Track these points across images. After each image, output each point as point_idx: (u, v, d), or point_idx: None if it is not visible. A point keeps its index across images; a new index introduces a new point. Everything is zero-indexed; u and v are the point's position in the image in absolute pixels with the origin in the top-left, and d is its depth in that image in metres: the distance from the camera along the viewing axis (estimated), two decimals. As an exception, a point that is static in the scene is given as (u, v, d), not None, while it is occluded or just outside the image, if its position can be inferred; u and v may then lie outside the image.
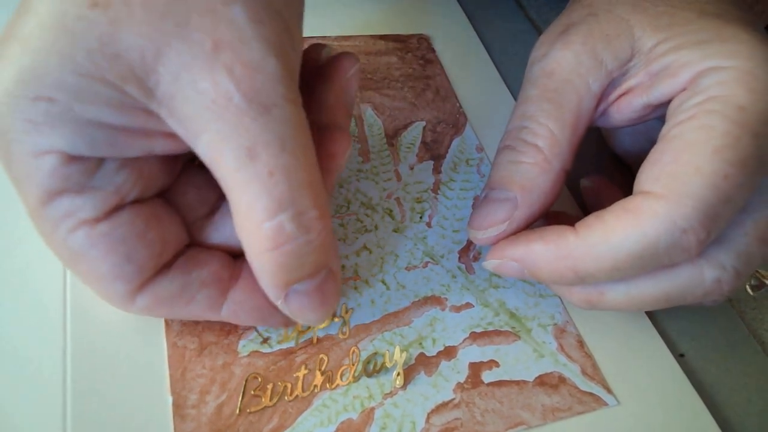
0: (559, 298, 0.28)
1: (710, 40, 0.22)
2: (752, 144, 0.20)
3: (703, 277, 0.22)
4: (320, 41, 0.37)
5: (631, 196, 0.22)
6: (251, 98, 0.17)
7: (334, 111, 0.23)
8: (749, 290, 0.24)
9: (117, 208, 0.19)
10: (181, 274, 0.21)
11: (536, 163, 0.24)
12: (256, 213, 0.18)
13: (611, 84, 0.25)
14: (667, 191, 0.21)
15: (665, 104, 0.23)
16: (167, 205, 0.22)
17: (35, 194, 0.18)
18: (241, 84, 0.17)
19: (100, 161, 0.19)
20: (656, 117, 0.25)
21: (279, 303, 0.20)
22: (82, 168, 0.18)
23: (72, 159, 0.18)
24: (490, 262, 0.25)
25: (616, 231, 0.21)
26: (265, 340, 0.24)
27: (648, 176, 0.22)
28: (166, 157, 0.21)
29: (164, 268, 0.21)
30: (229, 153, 0.17)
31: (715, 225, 0.20)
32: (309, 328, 0.25)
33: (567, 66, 0.24)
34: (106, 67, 0.16)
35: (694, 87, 0.22)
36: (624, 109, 0.25)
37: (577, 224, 0.23)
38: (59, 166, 0.18)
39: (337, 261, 0.21)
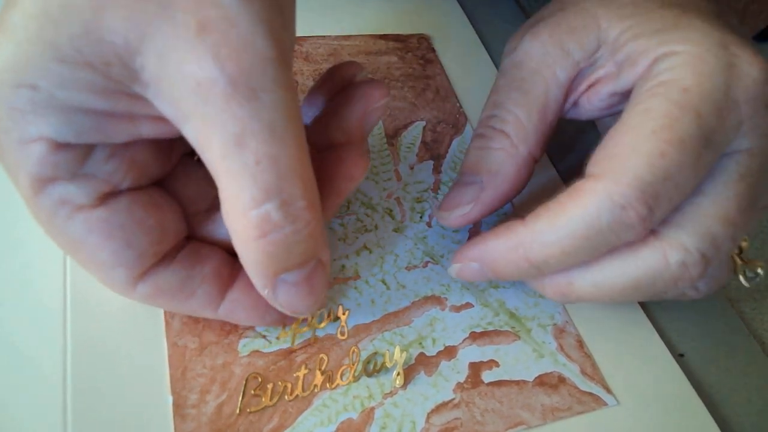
0: (559, 298, 0.28)
1: (667, 28, 0.23)
2: (693, 123, 0.21)
3: (667, 261, 0.22)
4: (320, 41, 0.37)
5: (575, 182, 0.22)
6: (238, 82, 0.16)
7: (353, 133, 0.23)
8: (744, 281, 0.24)
9: (113, 195, 0.19)
10: (183, 268, 0.21)
11: (503, 148, 0.26)
12: (242, 201, 0.18)
13: (580, 74, 0.25)
14: (605, 171, 0.21)
15: (630, 92, 0.24)
16: (166, 195, 0.22)
17: (27, 182, 0.18)
18: (226, 67, 0.16)
19: (90, 148, 0.19)
20: None
21: (266, 293, 0.20)
22: (72, 155, 0.18)
23: (60, 146, 0.18)
24: (453, 268, 0.26)
25: (560, 214, 0.22)
26: (263, 336, 0.24)
27: (592, 161, 0.22)
28: (160, 145, 0.21)
29: (167, 258, 0.21)
30: (216, 139, 0.17)
31: (656, 202, 0.21)
32: (306, 327, 0.25)
33: (535, 57, 0.25)
34: (89, 52, 0.16)
35: (648, 73, 0.23)
36: (593, 100, 0.26)
37: (528, 215, 0.23)
38: (48, 153, 0.18)
39: (326, 251, 0.21)
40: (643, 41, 0.23)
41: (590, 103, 0.26)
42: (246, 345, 0.24)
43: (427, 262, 0.28)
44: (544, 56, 0.25)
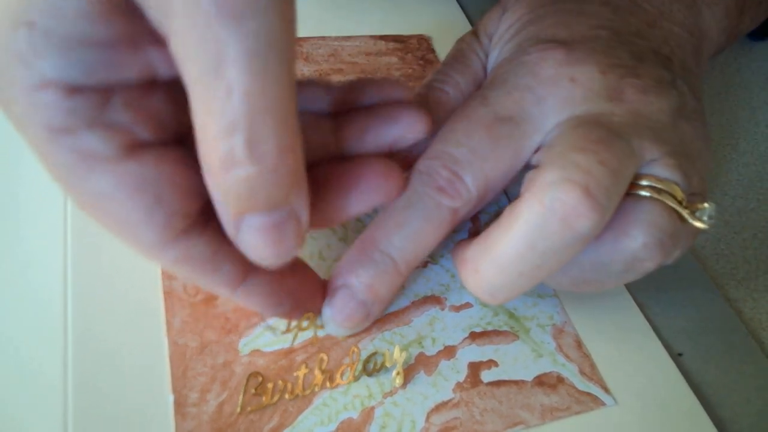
0: (558, 298, 0.28)
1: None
2: (479, 104, 0.25)
3: (543, 204, 0.21)
4: (320, 41, 0.37)
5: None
6: (221, 2, 0.15)
7: (382, 150, 0.23)
8: (700, 224, 0.23)
9: (139, 149, 0.18)
10: (215, 240, 0.20)
11: (441, 101, 0.28)
12: (210, 132, 0.17)
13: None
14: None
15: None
16: (191, 155, 0.20)
17: (43, 135, 0.17)
18: None
19: (106, 95, 0.17)
20: None
21: (231, 233, 0.19)
22: (88, 101, 0.17)
23: (73, 90, 0.17)
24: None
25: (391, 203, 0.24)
26: (271, 329, 0.24)
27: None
28: (178, 97, 0.19)
29: (198, 226, 0.20)
30: (193, 62, 0.16)
31: (457, 165, 0.24)
32: (308, 326, 0.25)
33: (469, 43, 0.30)
34: None
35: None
36: None
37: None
38: (61, 99, 0.17)
39: (302, 206, 0.19)
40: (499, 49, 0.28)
41: None
42: (247, 344, 0.24)
43: (427, 262, 0.28)
44: (472, 43, 0.30)
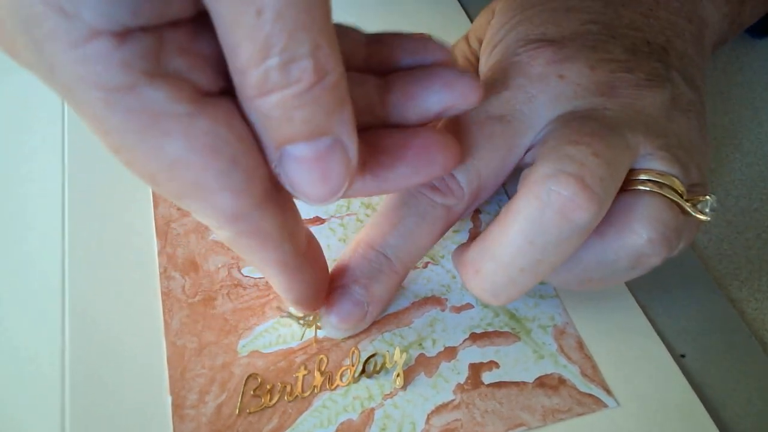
0: (559, 299, 0.28)
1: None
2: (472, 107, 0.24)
3: (539, 199, 0.21)
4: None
5: None
6: None
7: (427, 119, 0.22)
8: (702, 216, 0.23)
9: (206, 102, 0.16)
10: (282, 214, 0.19)
11: None
12: (242, 56, 0.15)
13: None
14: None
15: None
16: None
17: (98, 98, 0.15)
18: None
19: (157, 40, 0.15)
20: None
21: (274, 168, 0.18)
22: (141, 49, 0.15)
23: (122, 36, 0.14)
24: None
25: (385, 199, 0.24)
26: (299, 318, 0.24)
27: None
28: None
29: (271, 194, 0.18)
30: None
31: (459, 170, 0.24)
32: (311, 323, 0.25)
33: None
34: None
35: None
36: None
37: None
38: (113, 49, 0.14)
39: (348, 135, 0.18)
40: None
41: None
42: (245, 345, 0.24)
43: (427, 262, 0.28)
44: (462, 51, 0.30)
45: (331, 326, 0.24)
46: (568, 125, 0.23)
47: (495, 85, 0.25)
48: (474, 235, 0.29)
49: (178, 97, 0.15)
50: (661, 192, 0.22)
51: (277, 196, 0.19)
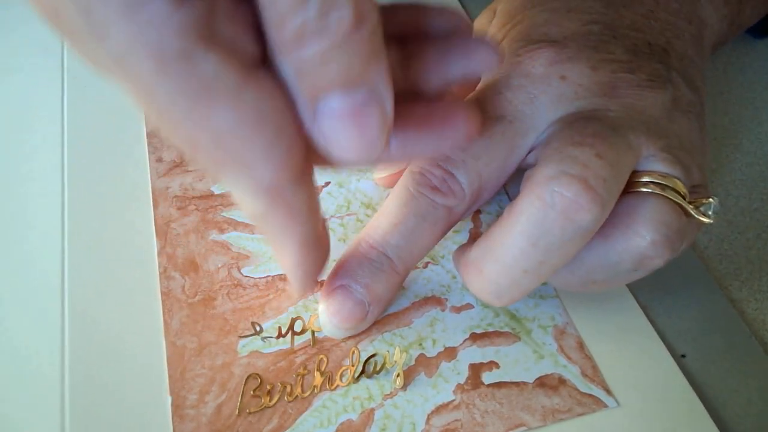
0: (559, 299, 0.28)
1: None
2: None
3: (542, 200, 0.21)
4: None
5: None
6: None
7: (454, 87, 0.22)
8: (704, 219, 0.23)
9: (252, 71, 0.16)
10: (312, 192, 0.19)
11: None
12: (278, 6, 0.15)
13: None
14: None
15: None
16: None
17: (152, 68, 0.14)
18: None
19: (210, 5, 0.15)
20: None
21: (309, 123, 0.17)
22: (196, 14, 0.14)
23: (179, 1, 0.14)
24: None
25: (384, 205, 0.24)
26: (266, 340, 0.24)
27: None
28: None
29: (309, 170, 0.19)
30: None
31: (450, 164, 0.23)
32: (302, 330, 0.25)
33: None
34: None
35: None
36: None
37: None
38: (169, 13, 0.13)
39: (384, 87, 0.17)
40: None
41: None
42: (245, 345, 0.24)
43: (428, 262, 0.28)
44: None
45: (332, 326, 0.24)
46: (570, 126, 0.23)
47: (496, 85, 0.25)
48: (474, 236, 0.29)
49: (229, 67, 0.15)
50: (663, 194, 0.22)
51: (309, 170, 0.19)
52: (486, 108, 0.24)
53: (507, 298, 0.23)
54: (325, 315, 0.24)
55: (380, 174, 0.29)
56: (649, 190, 0.22)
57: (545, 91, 0.24)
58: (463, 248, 0.25)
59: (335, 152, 0.18)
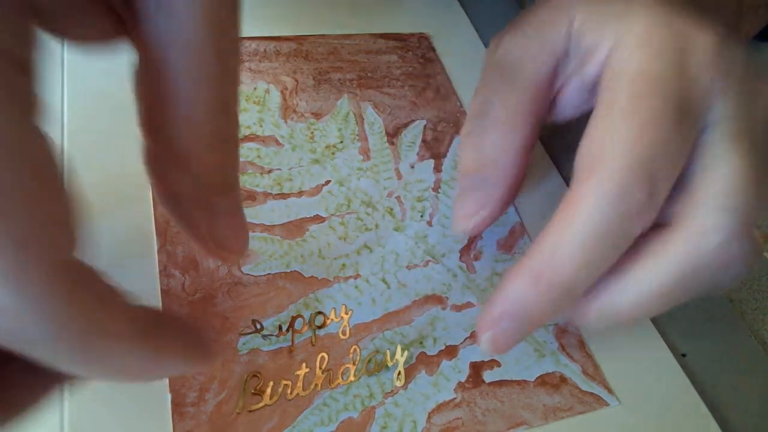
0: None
1: (617, 14, 0.23)
2: (658, 101, 0.21)
3: (706, 245, 0.21)
4: (321, 39, 0.37)
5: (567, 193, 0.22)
6: None
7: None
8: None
9: None
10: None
11: (495, 142, 0.25)
12: (202, 107, 0.16)
13: (558, 67, 0.26)
14: (591, 170, 0.21)
15: (596, 86, 0.24)
16: None
17: None
18: None
19: None
20: None
21: (200, 226, 0.19)
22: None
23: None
24: (484, 342, 0.22)
25: (566, 228, 0.21)
26: (266, 338, 0.24)
27: (576, 166, 0.22)
28: None
29: None
30: None
31: (653, 181, 0.20)
32: (305, 328, 0.24)
33: (515, 51, 0.26)
34: None
35: (606, 66, 0.23)
36: (569, 95, 0.26)
37: (530, 246, 0.22)
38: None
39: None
40: (598, 32, 0.23)
41: (566, 100, 0.26)
42: (246, 343, 0.24)
43: (428, 261, 0.28)
44: (525, 49, 0.25)
45: (488, 350, 0.22)
46: (736, 156, 0.21)
47: (667, 63, 0.21)
48: (475, 237, 0.29)
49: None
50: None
51: None
52: (673, 99, 0.21)
53: (616, 324, 0.23)
54: (487, 342, 0.22)
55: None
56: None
57: (715, 83, 0.21)
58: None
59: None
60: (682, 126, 0.21)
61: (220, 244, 0.19)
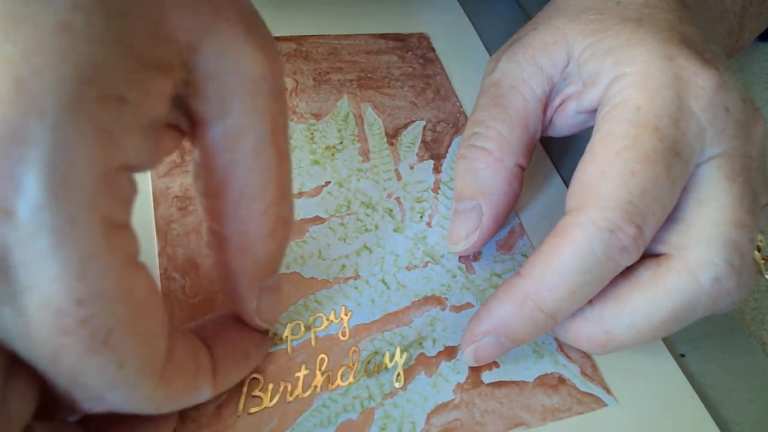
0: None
1: (620, 47, 0.23)
2: (654, 138, 0.21)
3: (699, 282, 0.21)
4: (320, 40, 0.37)
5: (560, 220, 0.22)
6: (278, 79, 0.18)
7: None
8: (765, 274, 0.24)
9: None
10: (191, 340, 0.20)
11: (489, 166, 0.26)
12: (265, 197, 0.18)
13: (554, 90, 0.26)
14: (583, 202, 0.21)
15: (595, 111, 0.24)
16: None
17: (100, 231, 0.14)
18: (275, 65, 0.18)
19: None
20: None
21: (251, 302, 0.20)
22: (129, 179, 0.15)
23: (129, 169, 0.15)
24: (467, 354, 0.24)
25: (554, 256, 0.21)
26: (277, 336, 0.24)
27: (569, 195, 0.22)
28: None
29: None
30: (251, 135, 0.17)
31: (642, 219, 0.21)
32: (301, 333, 0.25)
33: (511, 74, 0.27)
34: (159, 52, 0.15)
35: (604, 97, 0.23)
36: (564, 116, 0.27)
37: (522, 267, 0.23)
38: (127, 186, 0.15)
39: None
40: (599, 61, 0.24)
41: (562, 120, 0.27)
42: (246, 345, 0.24)
43: (428, 262, 0.28)
44: (520, 72, 0.26)
45: (470, 362, 0.24)
46: (729, 192, 0.22)
47: (669, 104, 0.21)
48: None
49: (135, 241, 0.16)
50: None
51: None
52: (667, 140, 0.21)
53: (612, 352, 0.24)
54: (470, 355, 0.24)
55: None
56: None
57: (712, 123, 0.22)
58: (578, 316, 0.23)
59: (268, 318, 0.22)
60: (675, 165, 0.21)
61: (265, 317, 0.21)
